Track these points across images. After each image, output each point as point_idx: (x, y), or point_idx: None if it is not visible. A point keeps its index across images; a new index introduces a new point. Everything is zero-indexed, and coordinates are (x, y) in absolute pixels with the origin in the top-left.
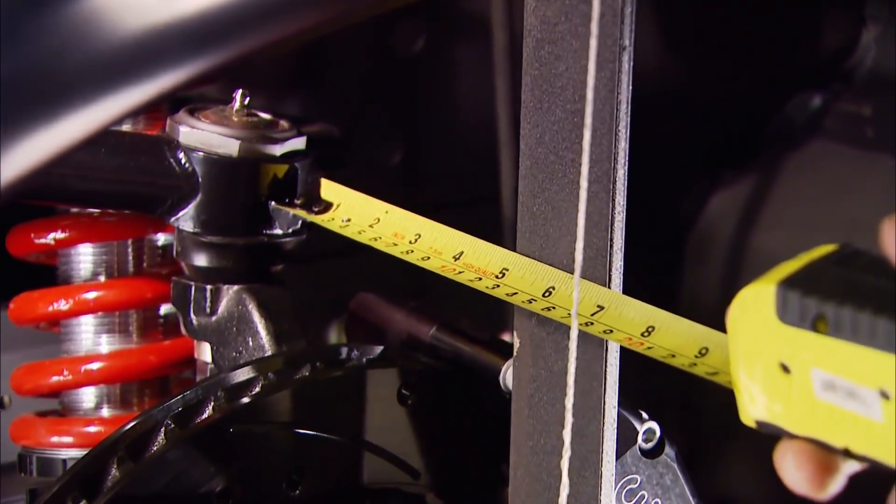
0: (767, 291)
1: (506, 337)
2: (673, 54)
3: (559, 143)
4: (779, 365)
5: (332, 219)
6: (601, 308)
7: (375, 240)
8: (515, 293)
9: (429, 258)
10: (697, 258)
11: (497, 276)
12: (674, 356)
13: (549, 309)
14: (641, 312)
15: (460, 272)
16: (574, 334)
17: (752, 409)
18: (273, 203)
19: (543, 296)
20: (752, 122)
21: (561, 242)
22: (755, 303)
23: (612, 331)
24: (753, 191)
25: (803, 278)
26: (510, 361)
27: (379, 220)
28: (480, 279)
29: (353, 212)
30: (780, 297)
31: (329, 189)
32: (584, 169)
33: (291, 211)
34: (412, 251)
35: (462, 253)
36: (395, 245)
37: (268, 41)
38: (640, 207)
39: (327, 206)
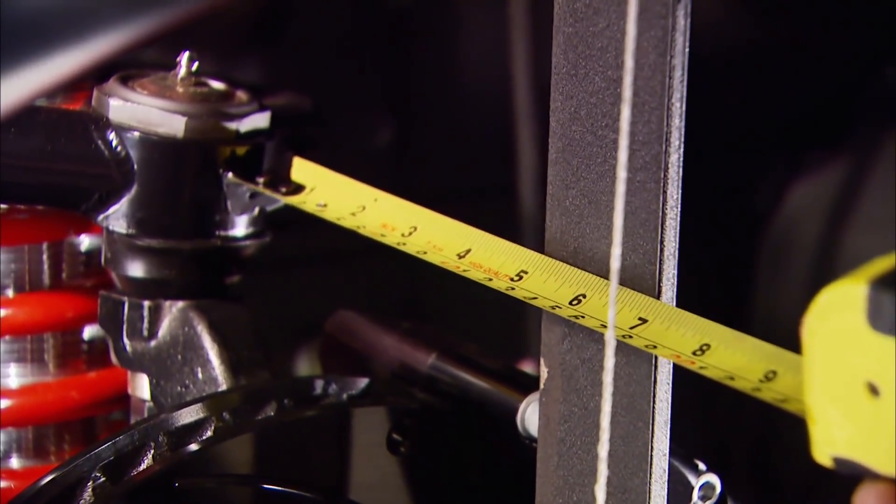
0: (856, 292)
1: (524, 366)
2: (742, 5)
3: (598, 119)
4: (865, 385)
5: (305, 202)
6: (643, 321)
7: (359, 228)
8: (536, 297)
9: (426, 253)
10: (775, 264)
11: (512, 279)
12: (733, 378)
13: (578, 317)
14: (693, 327)
15: (466, 270)
16: (609, 364)
17: (829, 442)
18: (230, 175)
19: (571, 304)
20: (843, 91)
21: (599, 245)
22: (840, 306)
23: (655, 346)
24: (845, 179)
25: None
26: (530, 397)
27: (364, 208)
28: (491, 280)
29: (330, 197)
30: (872, 298)
31: (302, 169)
32: (621, 154)
33: (253, 188)
34: (405, 244)
35: (469, 251)
36: (384, 236)
37: None
38: (701, 201)
39: (298, 189)
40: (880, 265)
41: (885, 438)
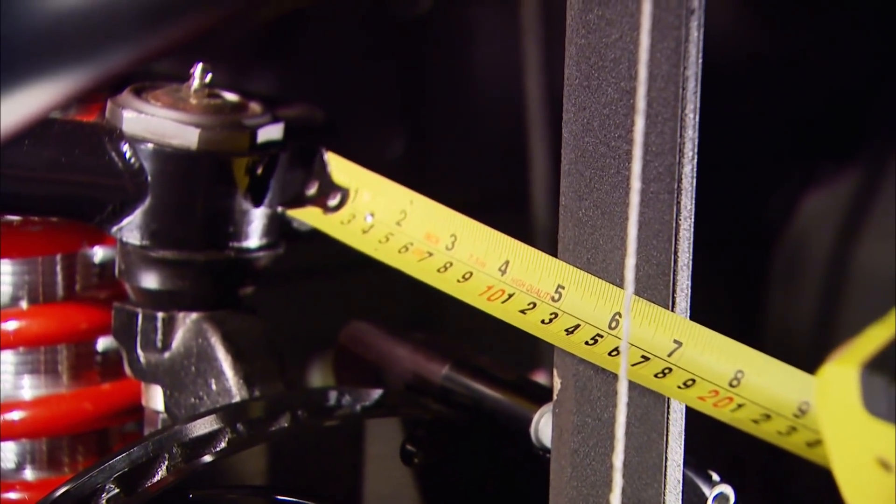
0: (850, 375)
1: (538, 377)
2: (756, 13)
3: (611, 130)
4: (876, 460)
5: (353, 216)
6: (679, 344)
7: (405, 249)
8: (578, 326)
9: (470, 275)
10: (788, 274)
11: (553, 299)
12: (769, 417)
13: (617, 351)
14: (727, 351)
15: (510, 296)
16: (623, 372)
17: None
18: (280, 208)
19: (611, 327)
20: (855, 101)
21: (612, 256)
22: (838, 386)
23: (693, 381)
24: (858, 189)
25: (892, 358)
26: (544, 408)
27: (405, 213)
28: (534, 306)
29: (375, 202)
30: (864, 383)
31: (340, 167)
32: (635, 165)
33: (298, 215)
34: (450, 264)
35: (508, 263)
36: (430, 255)
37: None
38: (713, 212)
39: (344, 195)
40: (875, 338)
41: None
